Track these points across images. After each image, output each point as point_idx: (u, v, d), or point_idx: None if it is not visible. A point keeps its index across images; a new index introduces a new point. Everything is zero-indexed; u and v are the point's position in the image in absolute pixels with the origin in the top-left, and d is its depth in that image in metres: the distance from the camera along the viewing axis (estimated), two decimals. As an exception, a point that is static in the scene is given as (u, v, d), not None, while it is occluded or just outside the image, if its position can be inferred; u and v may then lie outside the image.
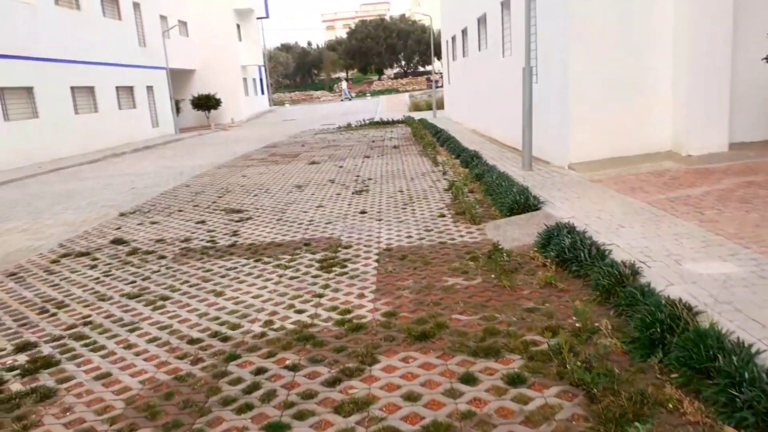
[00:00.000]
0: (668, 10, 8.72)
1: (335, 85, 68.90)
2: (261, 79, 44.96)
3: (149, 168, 15.79)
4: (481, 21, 16.54)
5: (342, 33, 77.98)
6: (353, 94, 59.45)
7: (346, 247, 6.29)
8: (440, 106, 28.40)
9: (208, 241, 7.05)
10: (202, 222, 8.17)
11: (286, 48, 74.45)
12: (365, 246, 6.29)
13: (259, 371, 3.61)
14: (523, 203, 6.80)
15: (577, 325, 3.84)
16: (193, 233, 7.53)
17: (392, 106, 39.06)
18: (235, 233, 7.41)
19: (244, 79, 38.33)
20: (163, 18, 30.37)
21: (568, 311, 4.14)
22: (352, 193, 9.46)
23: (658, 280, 4.23)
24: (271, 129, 28.50)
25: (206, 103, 33.55)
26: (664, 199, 6.44)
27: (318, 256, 6.02)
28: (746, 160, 7.97)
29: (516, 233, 6.09)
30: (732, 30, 8.30)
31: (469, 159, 11.09)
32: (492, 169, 9.36)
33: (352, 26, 72.83)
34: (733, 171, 7.46)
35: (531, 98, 9.26)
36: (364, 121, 26.07)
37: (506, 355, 3.59)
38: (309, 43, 78.66)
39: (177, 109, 31.35)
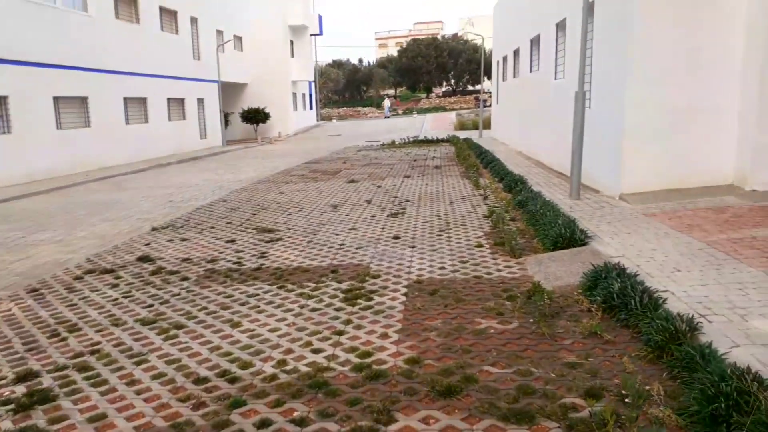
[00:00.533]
0: (738, 41, 8.07)
1: (382, 102, 69.18)
2: (311, 95, 45.43)
3: (191, 180, 15.88)
4: (534, 42, 16.05)
5: (394, 51, 78.36)
6: (400, 111, 59.44)
7: (374, 277, 5.92)
8: (487, 126, 27.88)
9: (234, 263, 6.81)
10: (232, 241, 7.96)
11: (337, 64, 75.28)
12: (395, 276, 5.91)
13: (263, 424, 3.25)
14: (568, 237, 6.29)
15: (624, 392, 3.34)
16: (220, 253, 7.31)
17: (438, 124, 38.74)
18: (263, 255, 7.15)
19: (294, 94, 38.76)
20: (219, 32, 31.03)
21: (614, 368, 3.65)
22: (388, 216, 9.11)
23: (720, 339, 3.69)
24: (316, 144, 28.57)
25: (255, 116, 34.00)
26: (725, 240, 5.82)
27: (344, 286, 5.67)
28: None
29: (559, 271, 5.59)
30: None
31: (512, 183, 10.59)
32: (537, 196, 8.84)
33: (404, 45, 73.11)
34: (806, 210, 6.75)
35: (583, 123, 8.73)
36: (408, 138, 25.80)
37: (541, 421, 3.13)
38: (360, 60, 79.41)
39: (226, 121, 31.86)
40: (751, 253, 5.36)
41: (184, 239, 8.25)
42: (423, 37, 73.75)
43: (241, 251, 7.36)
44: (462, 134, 27.23)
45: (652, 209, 7.59)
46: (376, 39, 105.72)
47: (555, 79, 13.25)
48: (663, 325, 3.83)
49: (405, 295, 5.32)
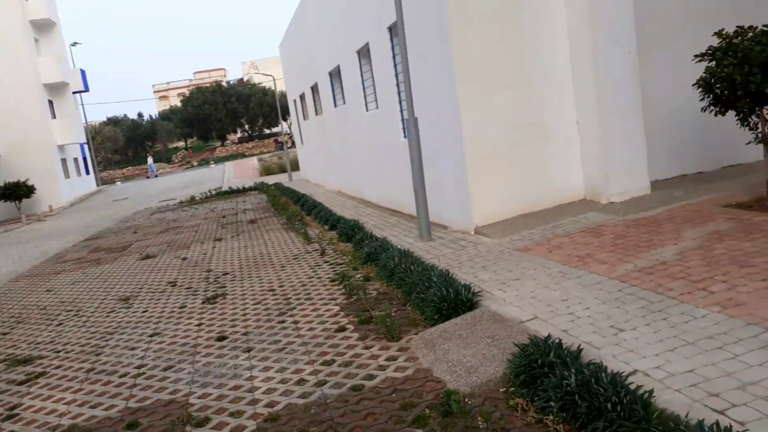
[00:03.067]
0: (563, 50, 7.52)
1: (173, 155, 64.29)
2: (84, 157, 39.78)
3: None
4: (334, 75, 14.94)
5: (177, 102, 73.68)
6: (195, 162, 55.50)
7: (198, 425, 3.78)
8: (295, 167, 26.40)
9: (-46, 444, 4.11)
10: (-40, 393, 5.10)
11: (113, 121, 68.44)
12: (232, 416, 3.84)
13: None
14: (452, 299, 4.80)
15: None
16: (-68, 425, 4.49)
17: (241, 171, 36.34)
18: (13, 409, 4.53)
19: (63, 160, 33.34)
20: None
21: None
22: (203, 302, 6.89)
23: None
24: (98, 213, 24.39)
25: (15, 191, 28.23)
26: (636, 272, 4.80)
27: (151, 457, 3.45)
28: (680, 202, 6.77)
29: (465, 356, 4.02)
30: (637, 51, 7.25)
31: (349, 231, 9.02)
32: (385, 243, 7.34)
33: (187, 94, 69.14)
34: (680, 218, 6.15)
35: (420, 153, 7.49)
36: (210, 192, 23.19)
37: None
38: (140, 115, 73.35)
39: (-28, 202, 25.89)
40: (678, 285, 4.35)
41: None
42: (207, 85, 70.61)
43: (-28, 413, 4.61)
44: (270, 179, 25.37)
45: (520, 241, 6.52)
46: (155, 92, 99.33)
47: (366, 110, 12.14)
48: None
49: (256, 454, 3.30)
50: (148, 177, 48.55)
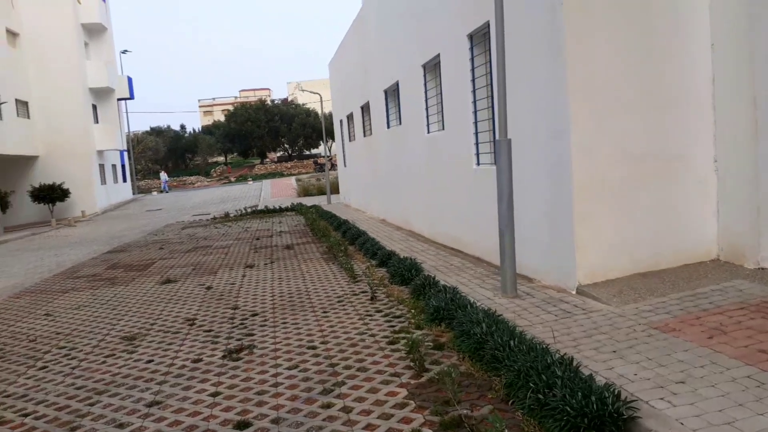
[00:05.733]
0: (705, 67, 5.90)
1: (212, 170, 64.07)
2: (123, 165, 39.38)
3: None
4: (390, 93, 13.55)
5: (220, 118, 73.81)
6: (233, 178, 54.95)
7: None
8: (334, 190, 25.08)
9: None
10: None
11: (156, 132, 68.85)
12: None
13: None
14: (595, 413, 3.13)
15: None
16: None
17: (279, 190, 35.27)
18: None
19: (101, 166, 32.82)
20: (-11, 95, 24.84)
21: None
22: (224, 356, 5.34)
23: None
24: (129, 223, 23.40)
25: (49, 194, 27.58)
26: None
27: None
28: None
29: None
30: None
31: (404, 271, 7.42)
32: (458, 296, 5.71)
33: (231, 110, 69.22)
34: None
35: (511, 184, 5.88)
36: (245, 209, 21.98)
37: None
38: (182, 127, 73.77)
39: (3, 203, 25.25)
40: None
41: None
42: (251, 102, 70.62)
43: None
44: (308, 201, 24.08)
45: (652, 313, 4.81)
46: (200, 106, 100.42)
47: (428, 132, 10.64)
48: None
49: None
50: (160, 192, 47.91)
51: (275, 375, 4.73)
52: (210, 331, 6.29)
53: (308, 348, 5.31)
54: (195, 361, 5.32)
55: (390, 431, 3.58)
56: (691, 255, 5.98)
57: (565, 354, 3.94)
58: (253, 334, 5.97)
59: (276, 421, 3.90)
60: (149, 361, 5.44)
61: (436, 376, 4.28)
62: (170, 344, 5.93)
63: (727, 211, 5.84)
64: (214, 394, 4.46)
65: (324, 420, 3.84)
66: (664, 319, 4.60)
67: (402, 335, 5.33)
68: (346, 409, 3.94)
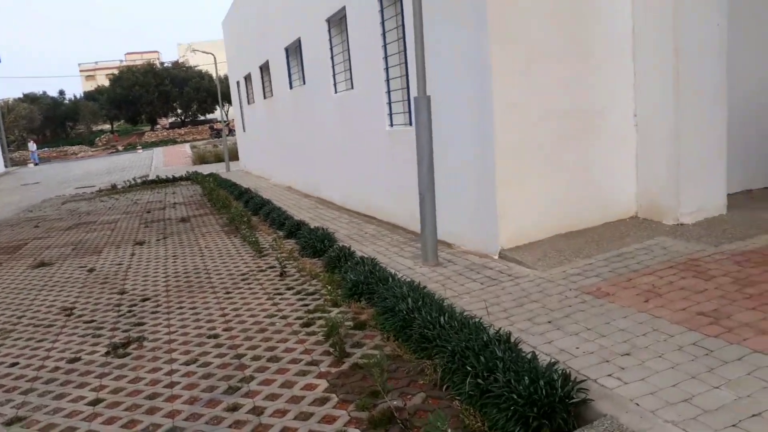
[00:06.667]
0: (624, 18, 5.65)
1: (97, 138, 59.22)
2: (-9, 134, 35.22)
3: None
4: (292, 50, 12.62)
5: (105, 83, 67.86)
6: (120, 147, 51.07)
7: None
8: (233, 157, 23.71)
9: None
10: None
11: (30, 98, 62.30)
12: None
13: None
14: (545, 399, 2.75)
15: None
16: None
17: (172, 159, 33.05)
18: None
19: (-37, 134, 29.06)
20: None
21: None
22: (107, 352, 4.54)
23: None
24: (0, 199, 20.87)
25: None
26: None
27: None
28: (782, 228, 5.03)
29: None
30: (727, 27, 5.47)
31: (316, 242, 6.83)
32: (377, 269, 5.22)
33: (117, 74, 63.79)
34: (810, 254, 4.38)
35: (431, 146, 5.41)
36: (135, 180, 20.23)
37: None
38: (61, 93, 67.30)
39: None
40: None
41: None
42: (139, 66, 65.49)
43: None
44: (205, 169, 22.59)
45: (582, 276, 4.58)
46: (82, 71, 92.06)
47: (335, 92, 9.95)
48: None
49: None
50: (27, 165, 43.59)
51: (170, 373, 4.03)
52: (91, 321, 5.40)
53: (209, 337, 4.63)
54: (72, 360, 4.48)
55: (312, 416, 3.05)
56: (612, 213, 5.85)
57: (500, 329, 3.56)
58: (143, 323, 5.17)
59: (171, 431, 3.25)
60: (13, 365, 4.53)
61: (360, 361, 3.80)
62: (41, 341, 5.01)
63: (646, 168, 5.73)
64: (94, 402, 3.70)
65: (231, 426, 3.23)
66: (596, 283, 4.36)
67: (318, 315, 4.78)
68: (257, 411, 3.36)
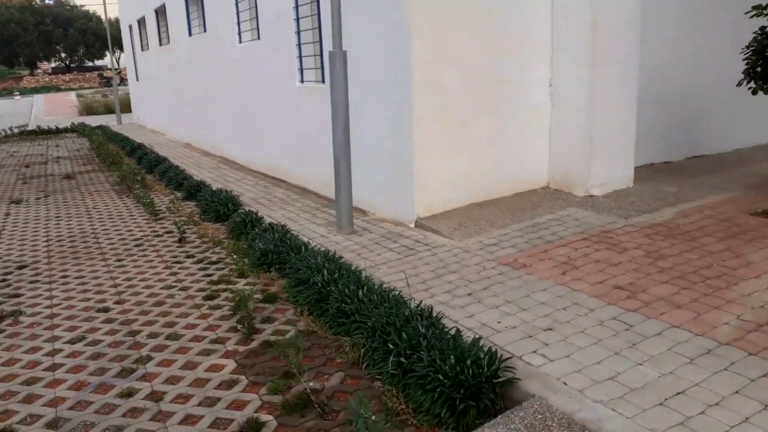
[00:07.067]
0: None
1: (-34, 81, 52.86)
2: None
3: None
4: (191, -9, 11.61)
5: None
6: (12, 92, 45.91)
7: None
8: (126, 109, 21.93)
9: None
10: None
11: None
12: None
13: None
14: (471, 379, 2.63)
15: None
16: None
17: (55, 108, 30.13)
18: None
19: None
20: None
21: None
22: (-25, 331, 3.95)
23: None
24: None
25: None
26: (755, 331, 3.04)
27: None
28: (686, 204, 5.25)
29: None
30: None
31: (219, 206, 6.36)
32: (288, 236, 4.91)
33: (-12, 7, 56.82)
34: (714, 229, 4.58)
35: (347, 106, 5.09)
36: (11, 129, 18.18)
37: None
38: None
39: None
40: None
41: None
42: (15, 0, 58.70)
43: None
44: (93, 120, 20.75)
45: (497, 247, 4.54)
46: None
47: (240, 42, 9.26)
48: None
49: None
50: None
51: (52, 353, 3.55)
52: (-47, 293, 4.70)
53: (99, 311, 4.14)
54: (-73, 341, 3.84)
55: (218, 423, 2.76)
56: (525, 183, 5.88)
57: (421, 302, 3.42)
58: (19, 295, 4.56)
59: (53, 424, 2.83)
60: None
61: (272, 338, 3.52)
62: None
63: (559, 139, 5.78)
64: (-46, 393, 3.17)
65: (125, 416, 2.87)
66: (512, 254, 4.33)
67: (222, 287, 4.42)
68: (155, 397, 3.01)
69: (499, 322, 3.30)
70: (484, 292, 3.74)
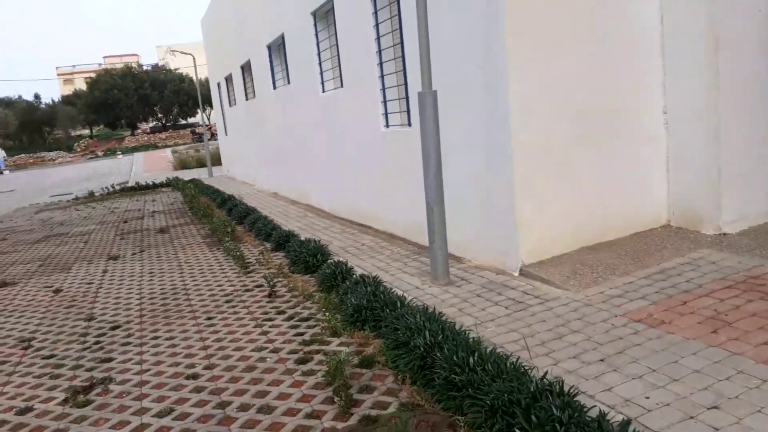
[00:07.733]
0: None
1: (75, 144, 57.77)
2: (-38, 140, 33.93)
3: None
4: (275, 48, 11.89)
5: (83, 87, 66.28)
6: (100, 153, 49.79)
7: None
8: (216, 162, 22.87)
9: None
10: None
11: (5, 103, 60.71)
12: None
13: None
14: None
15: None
16: None
17: (153, 164, 32.05)
18: None
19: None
20: None
21: None
22: (65, 399, 3.79)
23: None
24: (-32, 209, 19.80)
25: None
26: None
27: None
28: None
29: None
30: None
31: (308, 256, 6.12)
32: (380, 289, 4.53)
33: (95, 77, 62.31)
34: None
35: (438, 148, 4.73)
36: (113, 187, 19.34)
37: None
38: (37, 96, 65.62)
39: None
40: None
41: None
42: (117, 69, 64.07)
43: None
44: (186, 174, 21.75)
45: (624, 299, 3.93)
46: (59, 74, 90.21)
47: (323, 91, 9.25)
48: None
49: None
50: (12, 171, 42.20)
51: (139, 429, 3.30)
52: (51, 356, 4.65)
53: (187, 378, 3.90)
54: (22, 411, 3.73)
55: None
56: (640, 222, 5.23)
57: (546, 373, 2.89)
58: (110, 360, 4.43)
59: None
60: (-51, 419, 3.76)
61: (372, 413, 3.10)
62: (-12, 384, 4.24)
63: (679, 171, 5.11)
64: (42, 475, 2.96)
65: None
66: (644, 308, 3.72)
67: (315, 348, 4.08)
68: (248, 487, 2.65)
69: (647, 398, 2.72)
70: (619, 357, 3.16)
